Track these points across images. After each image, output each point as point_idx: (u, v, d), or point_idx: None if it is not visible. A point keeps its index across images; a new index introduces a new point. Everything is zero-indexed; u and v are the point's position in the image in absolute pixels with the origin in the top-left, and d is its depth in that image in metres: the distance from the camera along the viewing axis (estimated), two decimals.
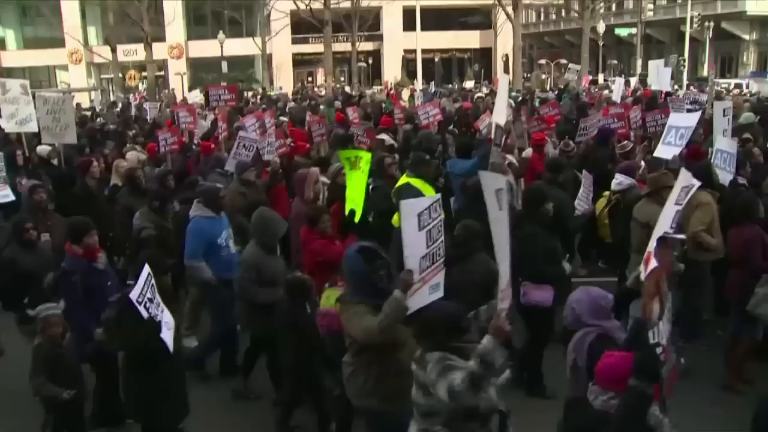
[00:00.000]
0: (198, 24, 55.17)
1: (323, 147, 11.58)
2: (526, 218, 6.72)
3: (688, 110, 11.64)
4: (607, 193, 8.52)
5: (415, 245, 4.32)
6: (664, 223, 4.39)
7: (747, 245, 6.55)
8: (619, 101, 15.03)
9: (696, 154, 8.75)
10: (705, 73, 42.03)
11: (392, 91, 25.43)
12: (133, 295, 4.61)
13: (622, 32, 52.81)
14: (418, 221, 4.31)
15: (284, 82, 50.11)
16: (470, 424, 3.79)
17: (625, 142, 10.33)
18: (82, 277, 5.89)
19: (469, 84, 40.45)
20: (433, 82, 31.89)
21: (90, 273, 6.01)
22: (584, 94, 23.13)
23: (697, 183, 4.56)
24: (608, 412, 3.41)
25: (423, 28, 54.73)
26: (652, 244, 4.23)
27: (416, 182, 7.60)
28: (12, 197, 9.17)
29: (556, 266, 6.62)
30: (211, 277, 6.79)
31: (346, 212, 6.72)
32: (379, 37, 55.09)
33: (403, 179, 7.77)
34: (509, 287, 3.96)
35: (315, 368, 5.85)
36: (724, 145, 8.24)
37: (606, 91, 22.45)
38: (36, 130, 11.09)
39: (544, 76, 46.34)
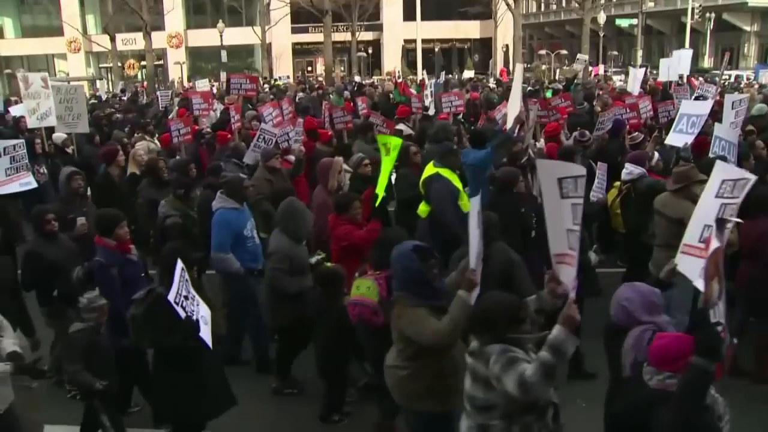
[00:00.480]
0: (197, 13, 54.89)
1: (345, 135, 11.48)
2: None
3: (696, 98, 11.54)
4: (617, 183, 8.49)
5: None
6: (707, 215, 4.28)
7: (762, 238, 6.50)
8: (636, 92, 14.95)
9: (701, 145, 8.73)
10: (706, 64, 42.07)
11: (400, 81, 25.28)
12: (171, 296, 4.54)
13: (622, 23, 52.70)
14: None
15: (284, 71, 49.89)
16: (528, 417, 3.75)
17: (636, 133, 10.31)
18: (119, 269, 5.85)
19: (469, 74, 40.29)
20: (443, 72, 31.63)
21: (125, 265, 5.97)
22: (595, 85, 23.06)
23: (752, 177, 4.25)
24: (665, 390, 3.44)
25: (423, 18, 54.50)
26: (697, 232, 4.08)
27: (445, 172, 7.57)
28: (34, 184, 9.02)
29: (582, 256, 6.60)
30: (239, 268, 6.72)
31: (377, 199, 6.72)
32: (379, 27, 54.89)
33: (431, 169, 7.69)
34: (575, 279, 3.87)
35: (345, 358, 5.84)
36: (723, 133, 8.24)
37: (620, 82, 22.47)
38: (55, 123, 10.97)
39: (544, 67, 46.31)
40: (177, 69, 47.92)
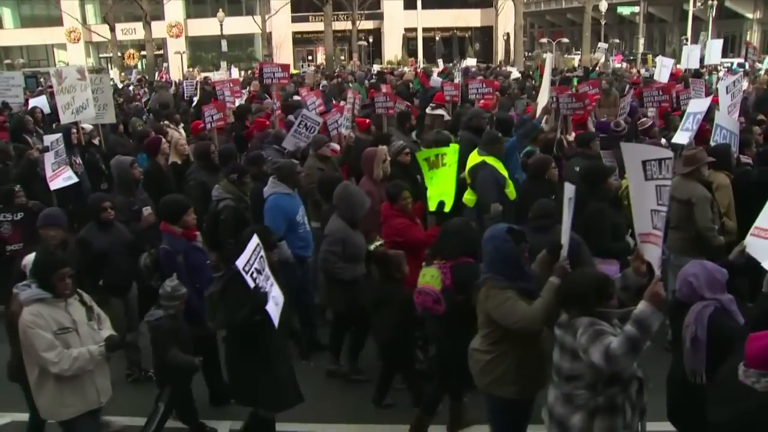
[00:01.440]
0: (197, 2, 54.66)
1: (385, 121, 11.39)
2: (590, 195, 6.73)
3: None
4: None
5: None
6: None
7: None
8: (666, 80, 14.94)
9: (702, 134, 8.75)
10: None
11: (420, 70, 25.16)
12: (240, 263, 4.50)
13: (624, 11, 52.71)
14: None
15: (284, 60, 49.68)
16: (612, 389, 3.89)
17: (644, 119, 10.37)
18: (185, 256, 5.82)
19: (471, 62, 40.19)
20: (464, 60, 31.57)
21: (192, 252, 5.94)
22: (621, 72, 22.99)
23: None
24: None
25: (424, 7, 54.29)
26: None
27: (491, 160, 7.59)
28: (75, 179, 8.83)
29: (621, 241, 6.63)
30: (290, 255, 6.65)
31: (430, 207, 6.77)
32: (380, 16, 54.69)
33: (476, 157, 7.69)
34: (660, 257, 4.03)
35: (409, 344, 5.85)
36: (723, 121, 8.27)
37: (643, 70, 22.52)
38: (93, 116, 10.75)
39: (545, 55, 46.20)
40: (177, 59, 47.71)
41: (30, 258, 5.09)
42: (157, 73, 37.95)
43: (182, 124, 12.49)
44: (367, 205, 6.44)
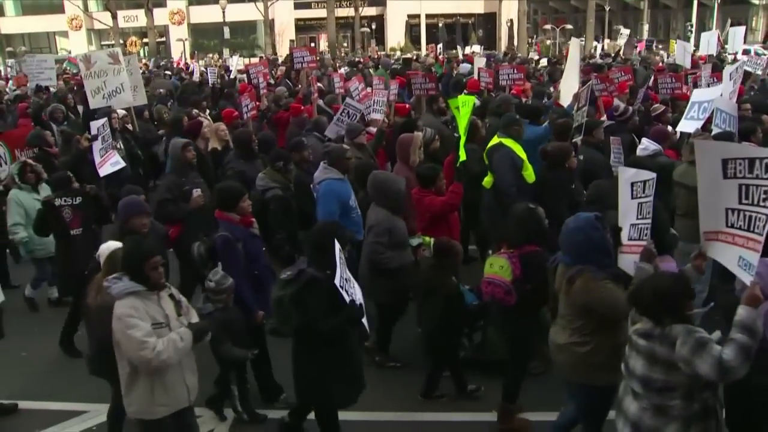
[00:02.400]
0: None
1: (423, 102, 11.34)
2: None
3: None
4: None
5: (626, 212, 4.58)
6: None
7: None
8: (688, 65, 14.80)
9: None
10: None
11: (441, 56, 25.12)
12: (337, 281, 4.46)
13: None
14: (630, 190, 4.53)
15: (286, 47, 49.58)
16: (706, 393, 3.77)
17: (657, 105, 10.28)
18: (243, 244, 5.68)
19: (476, 48, 40.00)
20: (482, 47, 31.46)
21: (250, 239, 5.81)
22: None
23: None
24: None
25: None
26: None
27: (508, 142, 7.54)
28: (122, 163, 8.67)
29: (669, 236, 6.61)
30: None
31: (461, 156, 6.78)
32: (383, 2, 54.45)
33: (495, 139, 7.66)
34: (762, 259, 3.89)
35: (455, 333, 5.81)
36: (723, 105, 8.21)
37: (665, 56, 22.37)
38: (130, 101, 10.69)
39: (548, 42, 46.01)
40: (179, 46, 47.56)
41: (105, 247, 5.00)
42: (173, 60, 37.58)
43: (207, 111, 12.40)
44: (403, 187, 6.32)
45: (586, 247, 4.43)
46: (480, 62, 16.54)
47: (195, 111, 11.52)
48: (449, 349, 5.93)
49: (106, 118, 9.19)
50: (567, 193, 6.81)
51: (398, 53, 36.57)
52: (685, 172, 6.78)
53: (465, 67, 19.31)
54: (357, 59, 29.89)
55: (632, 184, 4.52)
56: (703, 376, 3.58)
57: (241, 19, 50.31)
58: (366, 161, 7.77)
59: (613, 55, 22.83)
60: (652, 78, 13.74)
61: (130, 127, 11.05)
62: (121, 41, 45.81)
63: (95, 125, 8.70)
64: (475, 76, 14.89)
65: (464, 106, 7.25)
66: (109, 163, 8.52)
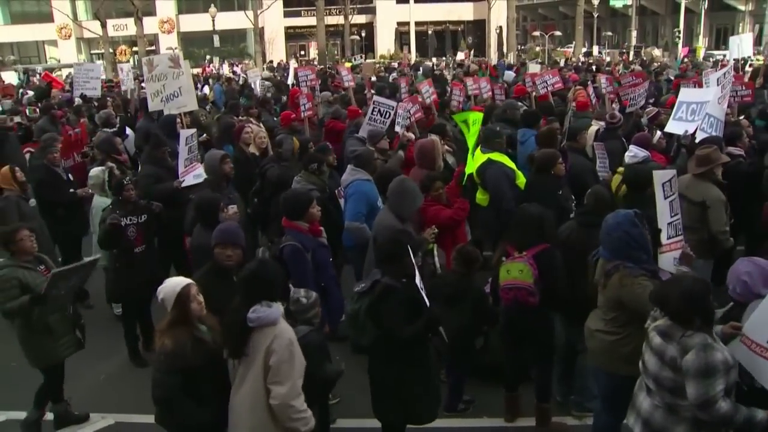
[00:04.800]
0: None
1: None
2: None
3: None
4: (621, 169, 8.36)
5: (662, 212, 4.88)
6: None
7: None
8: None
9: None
10: (700, 44, 42.05)
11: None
12: (419, 283, 4.43)
13: (617, 3, 52.61)
14: (662, 190, 4.87)
15: (276, 56, 49.64)
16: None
17: (651, 108, 10.30)
18: (312, 253, 5.54)
19: (461, 56, 40.19)
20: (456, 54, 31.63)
21: (319, 249, 5.68)
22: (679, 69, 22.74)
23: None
24: None
25: (416, 0, 54.26)
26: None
27: (495, 156, 7.46)
28: (204, 176, 7.89)
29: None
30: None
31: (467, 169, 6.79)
32: (372, 10, 54.61)
33: (481, 156, 7.51)
34: None
35: (473, 339, 5.74)
36: (711, 109, 8.17)
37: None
38: (186, 105, 10.31)
39: (537, 49, 46.23)
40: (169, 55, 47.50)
41: (171, 289, 4.20)
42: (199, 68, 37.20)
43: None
44: (419, 203, 6.30)
45: (624, 243, 4.55)
46: (535, 68, 16.59)
47: (245, 117, 11.34)
48: (468, 351, 5.81)
49: (195, 129, 9.06)
50: (553, 200, 6.80)
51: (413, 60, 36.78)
52: (689, 186, 6.63)
53: (509, 74, 19.45)
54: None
55: (663, 185, 4.85)
56: (688, 395, 3.61)
57: (230, 28, 50.35)
58: (388, 168, 7.66)
59: (648, 61, 22.85)
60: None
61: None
62: (111, 50, 45.76)
63: (185, 134, 8.45)
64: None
65: (474, 124, 7.21)
66: (192, 174, 8.20)
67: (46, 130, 10.94)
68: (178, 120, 9.87)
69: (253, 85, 18.28)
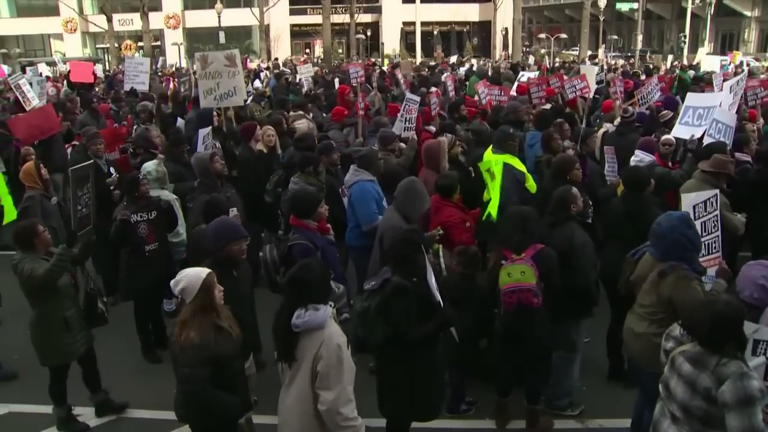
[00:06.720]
0: None
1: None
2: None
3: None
4: None
5: None
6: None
7: None
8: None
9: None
10: (705, 50, 42.00)
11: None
12: (431, 282, 4.46)
13: (623, 7, 52.62)
14: (693, 212, 5.15)
15: (282, 53, 49.62)
16: None
17: (665, 111, 10.24)
18: (321, 251, 5.52)
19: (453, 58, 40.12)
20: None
21: (328, 247, 5.67)
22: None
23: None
24: None
25: (422, 1, 54.22)
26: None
27: (506, 158, 7.39)
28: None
29: None
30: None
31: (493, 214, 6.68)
32: (378, 9, 54.59)
33: (490, 157, 7.43)
34: None
35: (475, 339, 5.76)
36: (720, 115, 8.13)
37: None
38: (239, 103, 10.44)
39: (543, 51, 46.21)
40: (174, 50, 47.50)
41: (192, 282, 4.10)
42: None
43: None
44: (427, 206, 6.29)
45: (681, 245, 4.63)
46: (591, 72, 14.74)
47: (300, 112, 11.21)
48: (470, 352, 5.81)
49: (210, 127, 9.06)
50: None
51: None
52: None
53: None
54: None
55: (694, 207, 5.19)
56: (730, 427, 3.42)
57: (236, 24, 50.36)
58: (395, 167, 7.68)
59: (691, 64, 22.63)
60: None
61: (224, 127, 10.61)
62: (116, 44, 45.80)
63: (203, 132, 8.51)
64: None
65: (497, 164, 7.03)
66: None
67: (87, 124, 11.05)
68: (215, 114, 9.90)
69: (303, 81, 18.40)
